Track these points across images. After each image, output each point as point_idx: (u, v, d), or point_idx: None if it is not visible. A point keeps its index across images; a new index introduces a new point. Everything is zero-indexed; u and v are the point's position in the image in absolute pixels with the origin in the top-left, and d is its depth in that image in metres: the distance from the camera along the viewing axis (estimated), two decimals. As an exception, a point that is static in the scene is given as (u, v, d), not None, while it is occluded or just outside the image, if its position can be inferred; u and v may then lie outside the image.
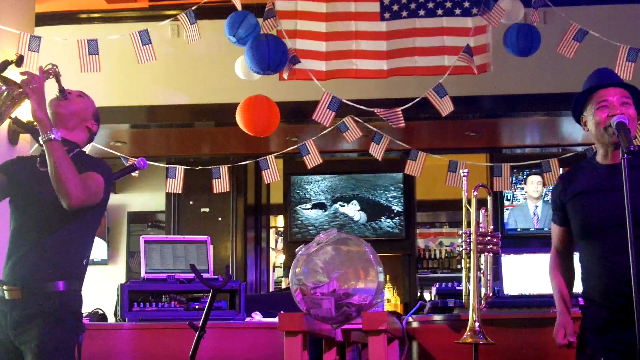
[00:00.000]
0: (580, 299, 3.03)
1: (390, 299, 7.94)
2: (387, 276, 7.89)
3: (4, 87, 2.90)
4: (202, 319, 3.29)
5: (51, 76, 3.01)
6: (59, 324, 2.89)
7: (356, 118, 5.66)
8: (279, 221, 10.63)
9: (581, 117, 3.02)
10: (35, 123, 2.94)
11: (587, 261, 2.94)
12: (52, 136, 2.83)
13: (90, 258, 3.09)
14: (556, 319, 3.02)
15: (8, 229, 3.06)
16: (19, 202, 3.02)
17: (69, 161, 2.85)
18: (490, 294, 3.63)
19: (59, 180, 2.81)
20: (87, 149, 3.46)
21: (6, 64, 2.93)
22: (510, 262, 4.22)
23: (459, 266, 9.55)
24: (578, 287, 3.07)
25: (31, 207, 2.97)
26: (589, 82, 3.00)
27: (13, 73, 3.08)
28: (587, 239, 2.91)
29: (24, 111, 3.16)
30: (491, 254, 3.62)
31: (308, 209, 9.24)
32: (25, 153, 5.48)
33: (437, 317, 4.09)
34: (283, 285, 9.83)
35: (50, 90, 3.02)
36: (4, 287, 2.93)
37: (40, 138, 2.85)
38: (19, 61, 2.99)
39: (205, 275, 4.08)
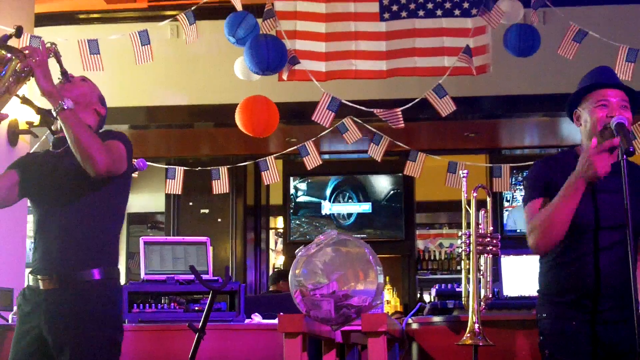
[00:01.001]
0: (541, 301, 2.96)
1: (390, 300, 7.97)
2: (387, 277, 7.91)
3: (9, 55, 2.80)
4: (201, 321, 3.28)
5: (51, 54, 2.94)
6: (98, 325, 2.81)
7: (356, 119, 5.66)
8: (278, 222, 10.63)
9: (575, 111, 2.99)
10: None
11: (568, 260, 2.85)
12: (65, 105, 2.75)
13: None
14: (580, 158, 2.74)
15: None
16: (38, 191, 2.95)
17: (87, 127, 2.80)
18: (490, 295, 3.61)
19: (81, 147, 2.75)
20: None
21: (6, 37, 2.84)
22: (510, 264, 4.22)
23: (458, 267, 9.56)
24: (532, 290, 3.00)
25: (51, 192, 2.90)
26: (589, 79, 2.96)
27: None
28: (575, 236, 2.83)
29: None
30: (491, 255, 3.61)
31: (307, 209, 9.23)
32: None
33: (436, 319, 4.08)
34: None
35: (52, 74, 2.97)
36: (38, 277, 2.84)
37: (52, 110, 2.78)
38: (18, 32, 2.90)
39: (204, 276, 4.07)
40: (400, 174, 8.76)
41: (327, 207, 9.21)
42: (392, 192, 9.18)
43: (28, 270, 2.96)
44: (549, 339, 2.88)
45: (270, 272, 9.89)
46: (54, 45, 2.96)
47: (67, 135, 2.77)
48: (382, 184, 9.20)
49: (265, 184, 6.15)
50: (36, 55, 2.79)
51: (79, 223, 2.87)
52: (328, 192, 9.25)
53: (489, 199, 3.69)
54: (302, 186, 9.26)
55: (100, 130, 3.11)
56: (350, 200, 9.21)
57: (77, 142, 2.75)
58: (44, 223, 2.92)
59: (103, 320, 2.85)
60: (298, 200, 9.23)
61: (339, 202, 9.22)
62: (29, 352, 2.83)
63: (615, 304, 2.76)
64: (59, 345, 2.79)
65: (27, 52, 2.81)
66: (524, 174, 8.57)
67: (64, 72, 3.00)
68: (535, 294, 3.19)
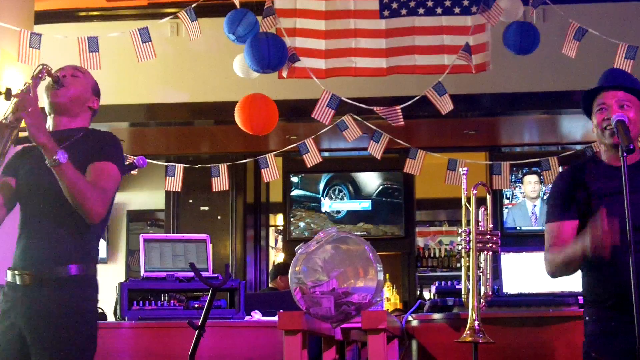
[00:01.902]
0: (581, 303, 2.98)
1: (390, 298, 7.95)
2: (387, 275, 7.91)
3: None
4: (201, 318, 3.29)
5: (44, 79, 2.89)
6: (75, 320, 2.80)
7: (355, 116, 5.66)
8: (278, 220, 10.63)
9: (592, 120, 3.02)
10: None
11: (600, 264, 2.81)
12: (59, 160, 2.70)
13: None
14: (580, 241, 2.75)
15: (7, 223, 3.00)
16: (25, 190, 2.93)
17: (82, 180, 2.77)
18: (490, 293, 3.63)
19: (76, 202, 2.76)
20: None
21: None
22: (510, 261, 4.22)
23: (458, 265, 9.56)
24: (577, 286, 3.01)
25: (37, 192, 2.89)
26: (597, 84, 3.00)
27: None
28: None
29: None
30: (491, 253, 3.62)
31: (307, 207, 9.22)
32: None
33: (436, 316, 4.09)
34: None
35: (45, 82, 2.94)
36: (15, 272, 2.84)
37: (47, 163, 2.74)
38: (7, 95, 2.79)
39: (204, 273, 4.07)
40: (400, 171, 8.73)
41: (327, 204, 9.20)
42: (390, 189, 9.16)
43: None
44: (589, 338, 2.89)
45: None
46: (44, 67, 2.90)
47: (62, 186, 2.76)
48: (382, 181, 9.19)
49: (265, 181, 6.15)
50: (28, 105, 2.73)
51: (61, 222, 2.86)
52: (328, 189, 9.23)
53: (488, 197, 3.71)
54: (302, 183, 9.25)
55: (90, 126, 3.07)
56: (349, 197, 9.19)
57: (72, 197, 2.75)
58: (28, 222, 2.92)
59: (79, 316, 2.84)
60: (297, 197, 9.22)
61: (339, 199, 9.20)
62: (8, 349, 2.81)
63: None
64: (37, 342, 2.78)
65: (16, 100, 2.73)
66: (524, 171, 8.59)
67: (56, 80, 2.94)
68: (535, 291, 3.21)
